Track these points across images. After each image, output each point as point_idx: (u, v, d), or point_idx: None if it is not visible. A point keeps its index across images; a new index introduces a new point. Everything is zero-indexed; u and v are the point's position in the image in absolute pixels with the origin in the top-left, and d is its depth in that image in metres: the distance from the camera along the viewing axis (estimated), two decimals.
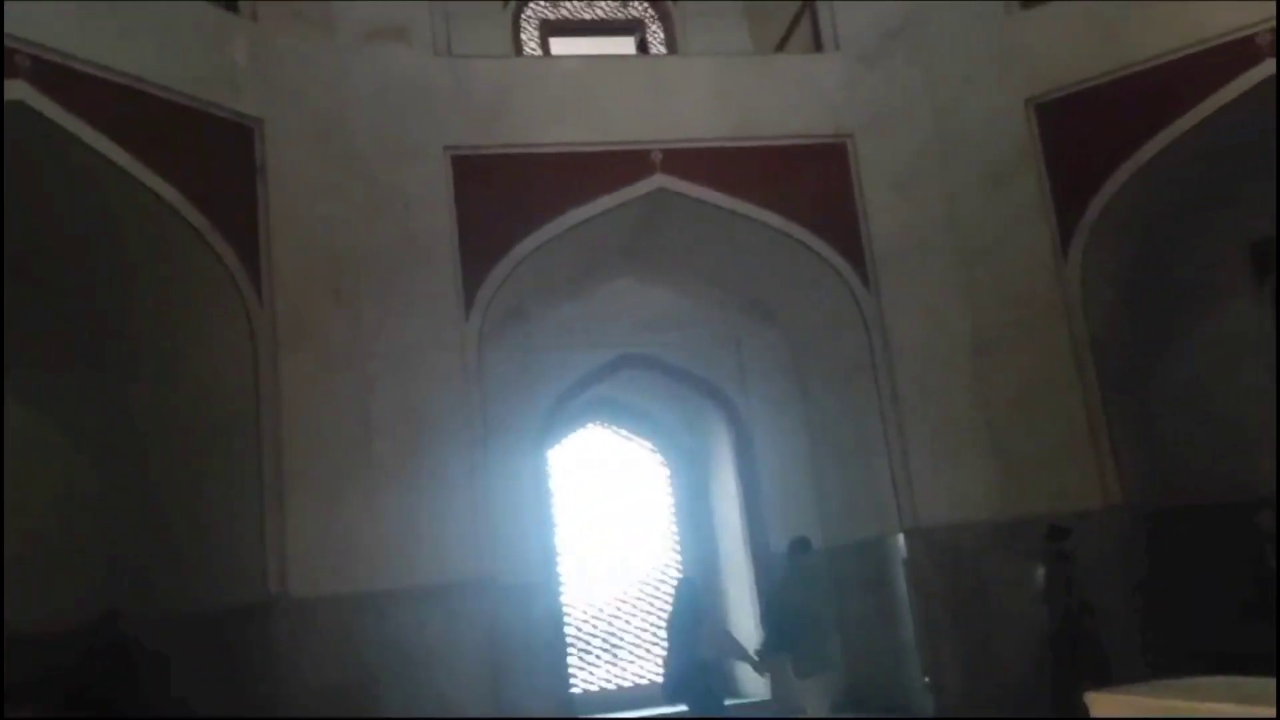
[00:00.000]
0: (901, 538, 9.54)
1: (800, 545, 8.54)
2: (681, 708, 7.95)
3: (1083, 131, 9.66)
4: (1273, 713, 3.33)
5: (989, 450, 9.52)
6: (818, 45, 10.63)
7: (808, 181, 10.04)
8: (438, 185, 9.17)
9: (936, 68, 10.24)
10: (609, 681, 11.36)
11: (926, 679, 9.22)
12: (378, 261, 8.85)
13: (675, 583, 8.54)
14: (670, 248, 10.65)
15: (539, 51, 12.15)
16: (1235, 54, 9.09)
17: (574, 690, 10.80)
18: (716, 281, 11.14)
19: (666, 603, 11.66)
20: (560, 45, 12.01)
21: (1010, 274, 9.75)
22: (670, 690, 7.91)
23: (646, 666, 11.49)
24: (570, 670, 10.85)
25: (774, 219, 9.84)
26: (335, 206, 8.77)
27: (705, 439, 11.83)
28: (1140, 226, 9.89)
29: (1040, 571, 8.23)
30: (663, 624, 11.57)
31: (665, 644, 8.31)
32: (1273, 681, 3.67)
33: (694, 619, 7.89)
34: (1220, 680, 4.22)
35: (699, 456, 11.95)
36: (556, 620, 10.48)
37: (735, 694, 10.65)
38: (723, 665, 8.38)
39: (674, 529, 11.88)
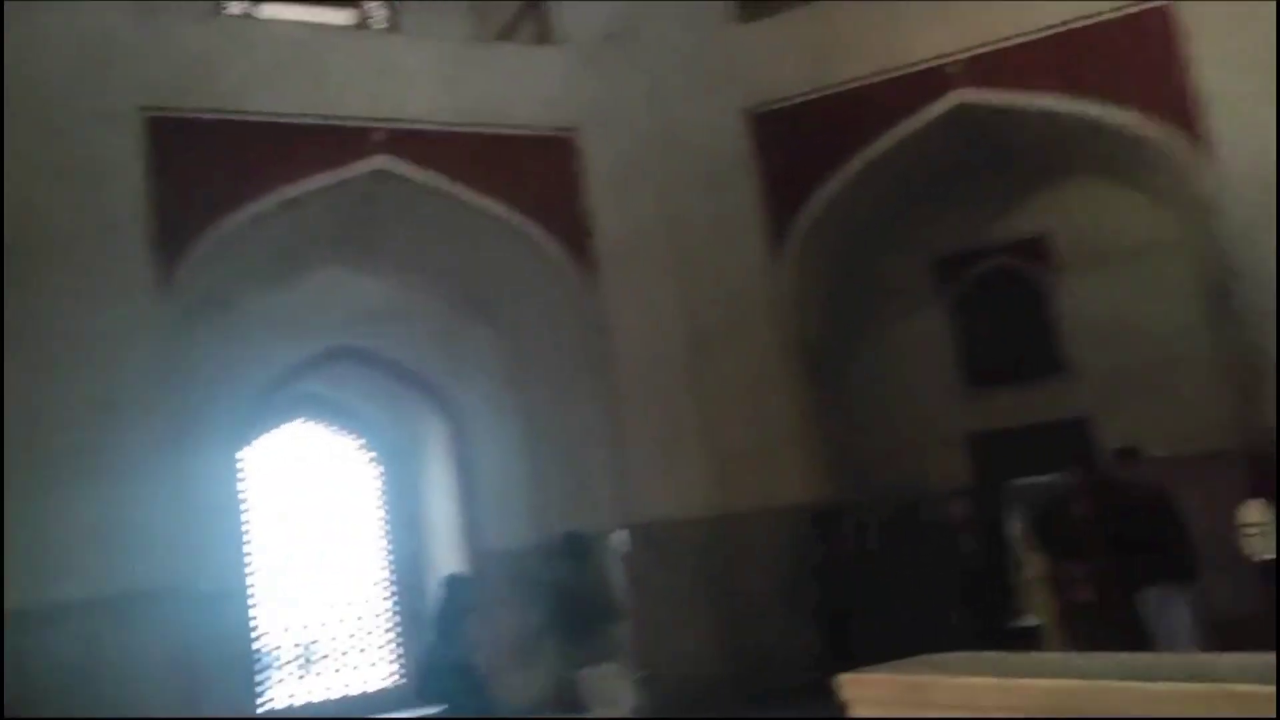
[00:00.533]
0: (619, 533, 9.56)
1: (576, 539, 8.38)
2: (440, 708, 7.55)
3: (795, 143, 10.15)
4: (1028, 681, 3.51)
5: (705, 447, 9.78)
6: (544, 39, 10.54)
7: (533, 174, 9.91)
8: (130, 150, 8.25)
9: (657, 72, 10.41)
10: (312, 693, 10.66)
11: (642, 674, 9.27)
12: (58, 232, 7.85)
13: (444, 580, 8.13)
14: (389, 235, 10.16)
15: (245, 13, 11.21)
16: (929, 83, 9.84)
17: (272, 705, 10.04)
18: (436, 273, 10.75)
19: (373, 606, 11.16)
20: (270, 11, 11.14)
21: (726, 275, 10.07)
22: (430, 690, 7.51)
23: (355, 675, 10.90)
24: (269, 682, 10.08)
25: (499, 210, 9.64)
26: (7, 168, 7.69)
27: (419, 436, 11.39)
28: (845, 236, 10.52)
29: (817, 552, 8.43)
30: (370, 628, 11.09)
31: (426, 642, 7.90)
32: (1020, 654, 3.87)
33: (460, 616, 7.54)
34: (968, 655, 4.41)
35: (413, 454, 11.48)
36: (256, 630, 9.70)
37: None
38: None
39: (385, 529, 11.34)
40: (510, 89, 9.97)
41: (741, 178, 10.17)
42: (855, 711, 4.23)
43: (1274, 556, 6.63)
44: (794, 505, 9.50)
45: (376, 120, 9.23)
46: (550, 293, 10.08)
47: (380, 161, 9.23)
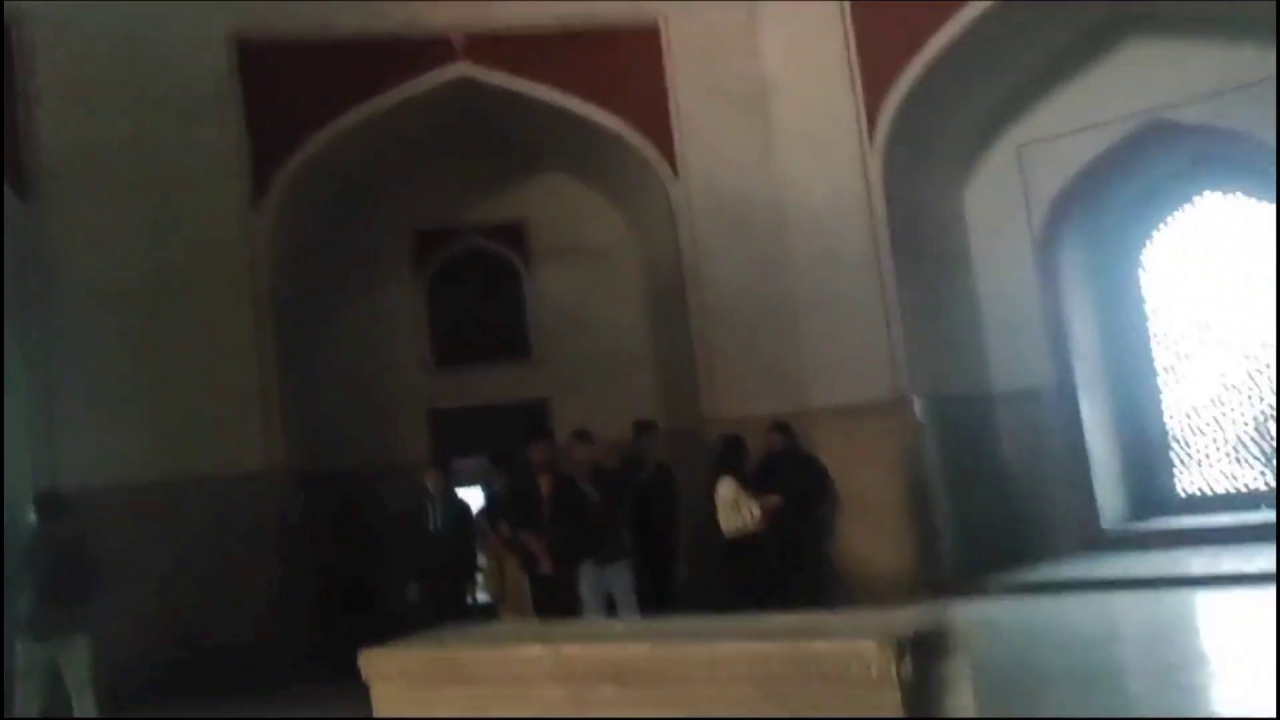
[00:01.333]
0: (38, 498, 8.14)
1: (51, 499, 6.89)
2: None
3: (289, 85, 9.42)
4: (586, 646, 3.49)
5: (155, 405, 8.73)
6: None
7: None
8: None
9: None
10: None
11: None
12: None
13: None
14: None
15: None
16: (435, 51, 9.66)
17: None
18: None
19: None
20: None
21: (197, 217, 9.08)
22: None
23: None
24: None
25: None
26: None
27: None
28: (332, 194, 10.02)
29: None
30: None
31: None
32: (556, 624, 3.84)
33: None
34: (489, 627, 4.35)
35: None
36: None
37: None
38: None
39: None
40: None
41: (224, 110, 9.16)
42: (381, 687, 3.97)
43: (739, 529, 7.36)
44: (252, 472, 8.84)
45: None
46: None
47: None
